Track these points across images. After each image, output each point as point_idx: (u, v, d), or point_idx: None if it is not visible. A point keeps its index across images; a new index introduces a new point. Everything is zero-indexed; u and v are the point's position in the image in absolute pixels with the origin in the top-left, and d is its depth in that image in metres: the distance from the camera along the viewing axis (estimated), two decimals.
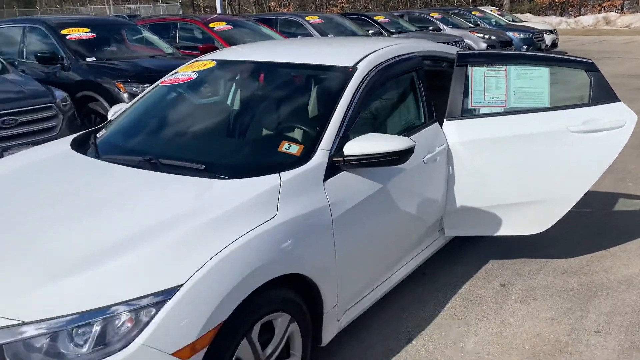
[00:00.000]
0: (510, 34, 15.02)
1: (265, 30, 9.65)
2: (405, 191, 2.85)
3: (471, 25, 15.71)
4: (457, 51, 3.40)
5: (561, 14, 37.70)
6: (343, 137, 2.51)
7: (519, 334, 2.87)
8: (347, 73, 2.77)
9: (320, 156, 2.41)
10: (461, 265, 3.61)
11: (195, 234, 1.92)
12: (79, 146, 2.83)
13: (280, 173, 2.26)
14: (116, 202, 2.17)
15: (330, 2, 47.38)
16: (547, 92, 3.18)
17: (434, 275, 3.44)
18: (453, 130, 3.20)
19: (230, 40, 8.70)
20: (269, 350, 2.12)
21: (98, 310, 1.69)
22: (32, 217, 2.12)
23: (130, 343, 1.66)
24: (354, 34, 11.22)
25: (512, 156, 3.17)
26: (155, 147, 2.72)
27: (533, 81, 3.21)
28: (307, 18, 10.83)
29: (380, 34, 12.15)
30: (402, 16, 14.57)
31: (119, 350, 1.66)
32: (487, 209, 3.28)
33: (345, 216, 2.39)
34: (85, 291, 1.72)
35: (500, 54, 3.34)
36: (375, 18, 12.80)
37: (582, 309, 3.09)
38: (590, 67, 3.17)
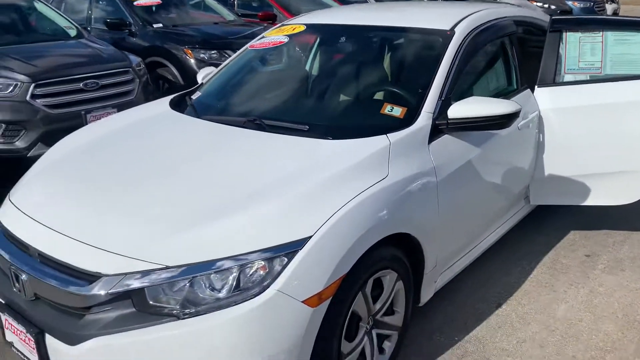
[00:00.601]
0: (570, 3, 14.39)
1: None
2: (499, 157, 2.85)
3: None
4: (551, 16, 3.31)
5: None
6: (445, 100, 2.51)
7: (610, 303, 2.86)
8: (445, 36, 2.74)
9: (425, 119, 2.42)
10: (542, 234, 3.59)
11: (317, 190, 1.98)
12: (180, 107, 2.91)
13: (388, 135, 2.29)
14: (234, 158, 2.25)
15: None
16: None
17: (515, 244, 3.43)
18: (545, 97, 3.15)
19: (288, 8, 8.69)
20: (377, 306, 2.18)
21: (235, 257, 1.77)
22: (161, 170, 2.22)
23: (265, 289, 1.74)
24: None
25: (605, 124, 3.10)
26: (258, 109, 2.78)
27: (631, 47, 3.11)
28: None
29: None
30: None
31: (255, 295, 1.74)
32: (575, 178, 3.24)
33: (448, 179, 2.41)
34: (222, 239, 1.81)
35: (597, 19, 3.26)
36: None
37: None
38: None
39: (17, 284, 1.98)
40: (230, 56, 6.23)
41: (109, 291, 1.76)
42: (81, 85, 4.67)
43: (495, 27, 3.03)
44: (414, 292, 2.42)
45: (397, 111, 2.47)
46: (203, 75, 3.43)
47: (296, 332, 1.79)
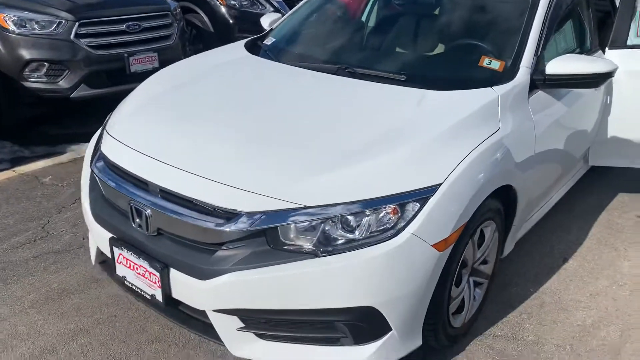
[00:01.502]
0: None
1: None
2: (578, 115, 2.90)
3: None
4: None
5: None
6: (539, 56, 2.52)
7: None
8: None
9: (524, 73, 2.44)
10: (594, 196, 3.68)
11: (440, 140, 2.01)
12: (263, 52, 2.88)
13: (494, 87, 2.30)
14: (342, 105, 2.26)
15: None
16: None
17: (570, 205, 3.50)
18: (616, 59, 3.14)
19: None
20: (478, 254, 2.25)
21: (369, 200, 1.80)
22: (273, 112, 2.23)
23: (400, 232, 1.78)
24: None
25: None
26: (346, 57, 2.78)
27: None
28: None
29: None
30: None
31: (390, 238, 1.78)
32: (636, 141, 3.30)
33: (543, 134, 2.45)
34: (357, 183, 1.83)
35: None
36: None
37: None
38: None
39: (137, 220, 1.99)
40: (262, 4, 6.14)
41: (249, 228, 1.78)
42: (124, 26, 4.57)
43: None
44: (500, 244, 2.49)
45: (496, 64, 2.47)
46: (269, 21, 3.38)
47: (424, 274, 1.84)
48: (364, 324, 1.83)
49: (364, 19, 3.31)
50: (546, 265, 2.90)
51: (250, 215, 1.79)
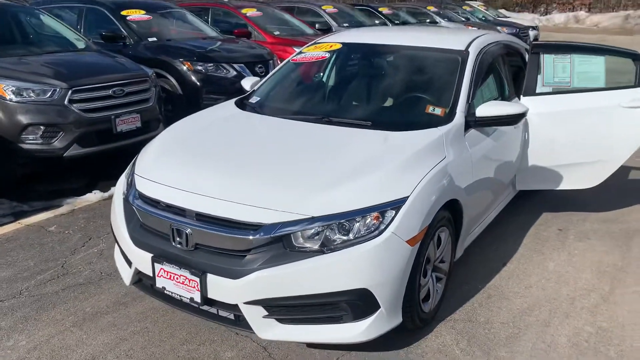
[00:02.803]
0: (499, 28, 15.98)
1: (287, 16, 10.35)
2: (502, 148, 3.69)
3: (463, 19, 16.65)
4: (531, 42, 4.22)
5: (533, 11, 39.23)
6: (470, 103, 3.31)
7: (585, 260, 3.75)
8: (462, 54, 3.57)
9: (460, 117, 3.21)
10: (522, 215, 4.47)
11: (403, 166, 2.70)
12: (251, 108, 3.55)
13: (438, 127, 3.05)
14: (326, 143, 2.94)
15: None
16: (603, 76, 4.04)
17: (503, 222, 4.27)
18: (529, 103, 4.01)
19: (261, 26, 9.35)
20: (438, 253, 2.92)
21: (358, 210, 2.45)
22: (274, 150, 2.88)
23: (383, 232, 2.43)
24: (362, 23, 11.98)
25: (574, 125, 4.01)
26: (322, 109, 3.49)
27: (592, 67, 4.06)
28: (323, 7, 11.54)
29: (385, 24, 12.96)
30: (400, 8, 15.36)
31: (376, 237, 2.42)
32: (552, 167, 4.13)
33: (478, 162, 3.20)
34: (348, 198, 2.48)
35: (566, 45, 4.19)
36: (380, 9, 13.58)
37: (626, 245, 3.99)
38: (637, 57, 4.04)
39: (177, 239, 2.55)
40: (226, 69, 6.85)
41: (270, 236, 2.38)
42: (110, 92, 5.14)
43: (494, 48, 3.89)
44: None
45: (438, 111, 3.24)
46: (250, 83, 4.05)
47: (401, 263, 2.49)
48: (360, 302, 2.43)
49: (324, 79, 4.05)
50: (490, 268, 3.61)
51: (271, 226, 2.40)
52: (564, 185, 4.20)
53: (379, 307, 2.47)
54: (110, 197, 4.70)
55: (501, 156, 3.70)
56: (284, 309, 2.46)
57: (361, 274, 2.41)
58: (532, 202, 4.72)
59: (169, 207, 2.63)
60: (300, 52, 4.10)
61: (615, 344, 2.84)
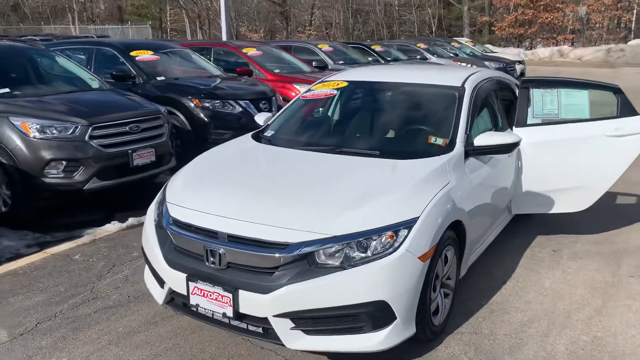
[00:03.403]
0: (487, 63, 16.58)
1: (285, 55, 10.80)
2: (499, 175, 4.01)
3: (451, 55, 17.25)
4: (522, 78, 4.60)
5: (518, 46, 40.41)
6: (468, 134, 3.65)
7: (578, 277, 4.03)
8: (459, 90, 3.92)
9: (460, 146, 3.53)
10: (518, 238, 4.77)
11: (413, 190, 3.00)
12: (268, 141, 3.86)
13: (441, 156, 3.37)
14: (341, 170, 3.24)
15: (298, 29, 49.26)
16: (588, 108, 4.40)
17: (501, 244, 4.56)
18: (521, 134, 4.35)
19: (262, 64, 9.77)
20: (445, 270, 3.20)
21: (375, 229, 2.73)
22: (294, 177, 3.18)
23: (397, 249, 2.71)
24: (356, 60, 12.47)
25: (563, 153, 4.35)
26: (335, 140, 3.81)
27: (577, 99, 4.44)
28: (319, 46, 12.03)
29: (378, 61, 13.47)
30: (392, 46, 15.93)
31: (391, 253, 2.70)
32: (544, 192, 4.45)
33: (477, 187, 3.51)
34: (366, 219, 2.77)
35: (553, 80, 4.57)
36: (373, 47, 14.13)
37: (616, 263, 4.29)
38: (617, 90, 4.42)
39: (211, 258, 2.81)
40: (232, 105, 7.20)
41: (297, 254, 2.66)
42: (127, 128, 5.45)
43: (487, 84, 4.26)
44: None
45: (440, 141, 3.57)
46: (264, 119, 4.37)
47: (414, 278, 2.76)
48: (379, 313, 2.69)
49: (333, 113, 4.39)
50: (491, 286, 3.88)
51: (297, 245, 2.68)
52: (555, 209, 4.52)
53: (396, 318, 2.73)
54: (129, 227, 5.00)
55: (497, 182, 4.02)
56: (310, 320, 2.72)
57: (379, 287, 2.68)
58: (528, 226, 5.03)
59: (202, 230, 2.91)
60: (309, 90, 4.45)
61: (609, 351, 3.11)
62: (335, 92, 4.25)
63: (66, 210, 5.56)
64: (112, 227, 5.04)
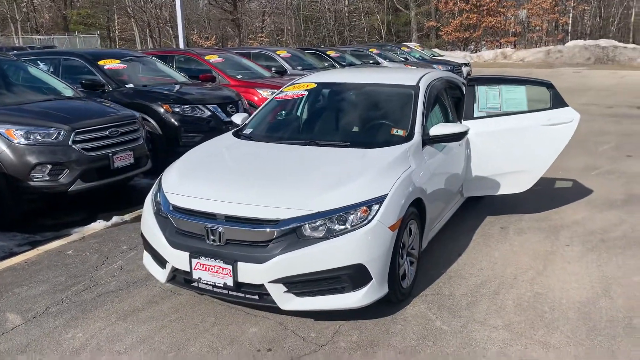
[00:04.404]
0: (435, 66, 17.44)
1: (246, 61, 11.23)
2: (452, 162, 4.59)
3: (402, 59, 18.05)
4: (467, 77, 5.21)
5: (464, 49, 41.99)
6: (424, 125, 4.21)
7: (523, 248, 4.66)
8: (415, 88, 4.49)
9: (418, 136, 4.09)
10: (470, 219, 5.38)
11: (380, 172, 3.52)
12: (248, 137, 4.32)
13: (402, 144, 3.91)
14: (319, 158, 3.74)
15: (250, 36, 49.59)
16: (525, 101, 5.05)
17: (455, 223, 5.15)
18: (469, 125, 4.96)
19: (224, 70, 10.16)
20: (410, 241, 3.73)
21: (352, 205, 3.24)
22: (278, 166, 3.64)
23: (371, 221, 3.22)
24: (312, 65, 13.01)
25: (505, 142, 4.98)
26: (309, 134, 4.30)
27: (515, 94, 5.08)
28: (277, 52, 12.50)
29: (333, 66, 14.05)
30: (345, 51, 16.57)
31: (366, 224, 3.21)
32: (490, 176, 5.07)
33: (434, 171, 4.07)
34: (344, 197, 3.26)
35: (495, 78, 5.21)
36: (328, 53, 14.71)
37: (554, 236, 4.94)
38: (549, 85, 5.09)
39: (211, 237, 3.25)
40: (201, 110, 7.59)
41: (287, 229, 3.13)
42: (107, 132, 5.78)
43: (438, 82, 4.85)
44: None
45: (400, 132, 4.11)
46: (241, 118, 4.82)
47: (385, 244, 3.27)
48: (357, 275, 3.19)
49: (305, 111, 4.88)
50: (448, 258, 4.45)
51: (287, 221, 3.15)
52: (501, 191, 5.15)
53: (372, 278, 3.24)
54: (114, 225, 5.35)
55: (450, 168, 4.60)
56: (300, 284, 3.19)
57: (357, 252, 3.18)
58: (478, 208, 5.66)
59: (202, 214, 3.34)
60: (281, 92, 4.93)
61: (548, 302, 3.71)
62: (305, 92, 4.74)
63: (49, 213, 5.83)
64: (98, 225, 5.36)
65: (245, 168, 3.74)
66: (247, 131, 4.53)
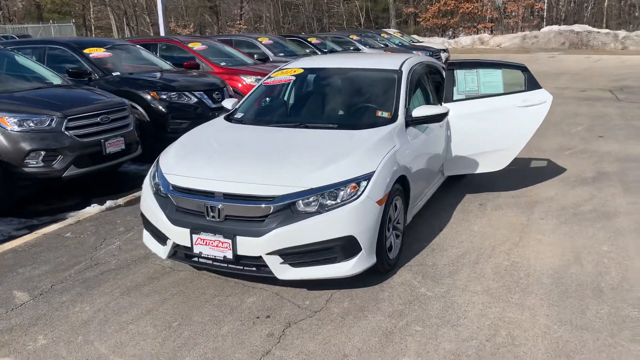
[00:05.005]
0: (415, 52, 17.71)
1: (228, 48, 11.35)
2: (433, 142, 4.85)
3: (382, 45, 18.27)
4: (447, 61, 5.46)
5: (442, 35, 42.34)
6: (407, 107, 4.45)
7: (501, 222, 4.95)
8: (398, 72, 4.72)
9: (401, 117, 4.33)
10: (450, 198, 5.66)
11: (368, 151, 3.76)
12: (235, 121, 4.52)
13: (388, 125, 4.16)
14: (310, 139, 3.96)
15: (229, 24, 49.31)
16: (502, 84, 5.33)
17: (436, 201, 5.43)
18: (449, 107, 5.23)
19: (207, 58, 10.28)
20: (395, 215, 3.98)
21: (342, 182, 3.47)
22: (273, 146, 3.86)
23: (360, 196, 3.46)
24: (294, 52, 13.16)
25: (483, 122, 5.26)
26: (299, 117, 4.52)
27: (492, 77, 5.35)
28: (259, 39, 12.63)
29: (315, 52, 14.22)
30: (326, 38, 16.73)
31: (355, 199, 3.45)
32: (469, 156, 5.35)
33: (416, 150, 4.33)
34: (334, 174, 3.50)
35: (473, 62, 5.47)
36: (309, 39, 14.86)
37: (529, 211, 5.25)
38: (524, 69, 5.37)
39: (211, 213, 3.46)
40: (188, 96, 7.74)
41: (282, 204, 3.36)
42: (98, 119, 5.93)
43: (419, 67, 5.09)
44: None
45: (385, 114, 4.35)
46: (231, 103, 5.01)
47: (373, 218, 3.52)
48: (348, 245, 3.44)
49: (293, 96, 5.09)
50: (431, 232, 4.73)
51: (282, 197, 3.38)
52: (480, 170, 5.43)
53: (361, 249, 3.49)
54: (108, 209, 5.53)
55: (432, 148, 4.86)
56: (295, 255, 3.42)
57: (347, 225, 3.42)
58: (458, 186, 5.95)
59: (201, 192, 3.54)
60: (269, 77, 5.12)
61: (524, 270, 4.00)
62: (293, 78, 4.94)
63: (43, 199, 5.97)
64: (93, 209, 5.52)
65: (239, 149, 3.94)
66: (238, 115, 4.73)
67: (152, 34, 40.00)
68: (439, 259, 4.20)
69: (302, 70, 5.01)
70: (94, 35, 46.74)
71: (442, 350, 3.04)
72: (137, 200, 5.77)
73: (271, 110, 4.84)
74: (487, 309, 3.46)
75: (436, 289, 3.72)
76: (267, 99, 4.99)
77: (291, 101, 4.94)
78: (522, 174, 6.49)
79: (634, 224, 4.83)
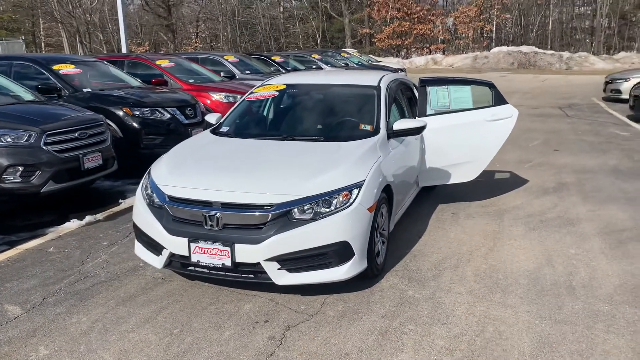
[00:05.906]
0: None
1: (195, 66, 11.43)
2: (410, 154, 5.11)
3: (342, 64, 18.68)
4: (420, 78, 5.76)
5: (396, 56, 43.45)
6: (388, 121, 4.70)
7: (475, 230, 5.23)
8: (377, 88, 4.97)
9: (383, 130, 4.56)
10: (425, 208, 5.93)
11: (357, 162, 3.96)
12: (221, 134, 4.66)
13: (371, 138, 4.38)
14: (299, 150, 4.13)
15: (184, 42, 49.10)
16: (471, 99, 5.66)
17: (412, 211, 5.68)
18: (426, 121, 5.50)
19: (175, 75, 10.34)
20: (382, 222, 4.18)
21: (335, 190, 3.65)
22: (262, 157, 4.01)
23: (352, 203, 3.65)
24: (259, 70, 13.35)
25: (454, 136, 5.56)
26: (285, 130, 4.68)
27: (462, 94, 5.68)
28: (225, 57, 12.76)
29: (279, 70, 14.45)
30: (289, 56, 17.00)
31: (348, 207, 3.63)
32: (442, 167, 5.63)
33: (397, 161, 4.56)
34: (327, 183, 3.67)
35: (443, 79, 5.79)
36: (273, 58, 15.09)
37: (499, 218, 5.56)
38: (491, 85, 5.73)
39: (209, 222, 3.57)
40: (161, 112, 7.79)
41: (279, 212, 3.50)
42: (77, 134, 5.92)
43: (394, 84, 5.36)
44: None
45: (368, 127, 4.58)
46: (215, 118, 5.13)
47: (364, 224, 3.71)
48: (343, 250, 3.61)
49: (277, 111, 5.26)
50: (411, 239, 4.95)
51: (279, 205, 3.53)
52: (452, 180, 5.72)
53: (354, 254, 3.67)
54: (88, 224, 5.52)
55: (409, 161, 5.11)
56: (292, 261, 3.56)
57: (342, 231, 3.60)
58: (431, 197, 6.22)
59: (198, 202, 3.65)
60: (252, 92, 5.28)
61: (502, 271, 4.26)
62: (276, 93, 5.12)
63: (18, 215, 5.89)
64: (72, 224, 5.49)
65: (232, 160, 4.07)
66: (224, 129, 4.86)
67: (105, 52, 39.45)
68: (422, 263, 4.42)
69: (284, 86, 5.19)
70: (44, 52, 45.65)
71: (436, 346, 3.23)
72: (117, 215, 5.82)
73: (257, 124, 5.00)
74: (472, 307, 3.68)
75: (423, 291, 3.93)
76: (253, 112, 5.13)
77: (277, 115, 5.11)
78: (488, 185, 6.84)
79: (595, 229, 5.20)
